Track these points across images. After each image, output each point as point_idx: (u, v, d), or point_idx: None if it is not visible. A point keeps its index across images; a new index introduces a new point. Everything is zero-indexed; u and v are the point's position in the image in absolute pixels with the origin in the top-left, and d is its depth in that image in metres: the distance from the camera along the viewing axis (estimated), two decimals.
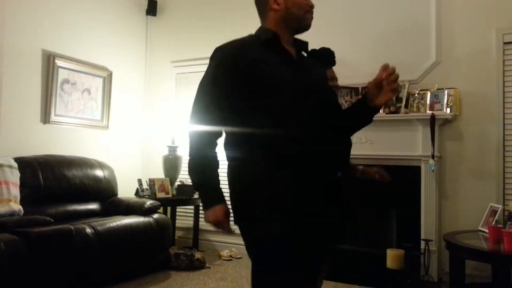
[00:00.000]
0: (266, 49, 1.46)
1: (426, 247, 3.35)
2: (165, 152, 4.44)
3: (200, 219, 4.38)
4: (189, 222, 4.49)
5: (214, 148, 1.46)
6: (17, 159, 3.26)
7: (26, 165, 3.28)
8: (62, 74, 3.95)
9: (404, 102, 3.60)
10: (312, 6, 1.53)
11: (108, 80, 4.45)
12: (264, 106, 1.41)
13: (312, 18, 1.54)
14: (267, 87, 1.41)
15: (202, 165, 1.44)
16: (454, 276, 2.89)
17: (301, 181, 1.39)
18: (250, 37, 1.55)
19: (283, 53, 1.49)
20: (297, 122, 1.41)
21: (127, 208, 3.64)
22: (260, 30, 1.56)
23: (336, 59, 2.65)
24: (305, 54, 1.64)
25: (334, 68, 2.59)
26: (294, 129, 1.40)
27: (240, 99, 1.43)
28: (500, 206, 3.11)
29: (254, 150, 1.41)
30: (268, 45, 1.47)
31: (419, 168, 3.54)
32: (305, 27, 1.54)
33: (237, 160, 1.46)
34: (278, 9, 1.50)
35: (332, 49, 2.61)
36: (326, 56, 2.52)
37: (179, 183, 4.35)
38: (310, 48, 2.59)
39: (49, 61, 3.83)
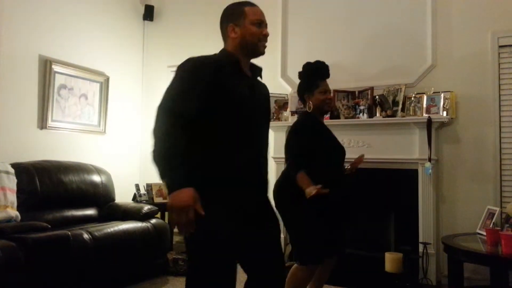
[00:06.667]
0: (230, 71, 1.63)
1: (425, 250, 3.36)
2: None
3: None
4: None
5: (182, 132, 1.46)
6: (14, 165, 3.24)
7: (23, 171, 3.27)
8: (59, 80, 3.95)
9: (400, 106, 3.61)
10: (265, 35, 1.70)
11: (105, 85, 4.44)
12: (223, 122, 1.57)
13: (264, 46, 1.72)
14: (230, 104, 1.57)
15: (177, 151, 1.43)
16: (453, 279, 2.89)
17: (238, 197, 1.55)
18: (216, 56, 1.69)
19: (244, 76, 1.68)
20: (248, 140, 1.62)
21: (125, 214, 3.63)
22: (223, 53, 1.71)
23: (332, 63, 2.68)
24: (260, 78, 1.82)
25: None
26: (244, 148, 1.60)
27: (204, 110, 1.54)
28: (498, 209, 3.11)
29: (207, 158, 1.55)
30: (231, 68, 1.64)
31: (416, 171, 3.55)
32: (258, 53, 1.72)
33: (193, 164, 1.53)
34: (235, 37, 1.69)
35: (329, 54, 2.64)
36: (320, 69, 2.57)
37: None
38: (305, 61, 2.65)
39: (46, 67, 3.82)
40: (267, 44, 1.72)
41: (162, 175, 1.42)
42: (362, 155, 2.71)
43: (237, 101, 1.59)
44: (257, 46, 1.69)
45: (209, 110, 1.54)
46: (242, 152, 1.59)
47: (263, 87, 1.82)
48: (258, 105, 1.70)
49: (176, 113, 1.46)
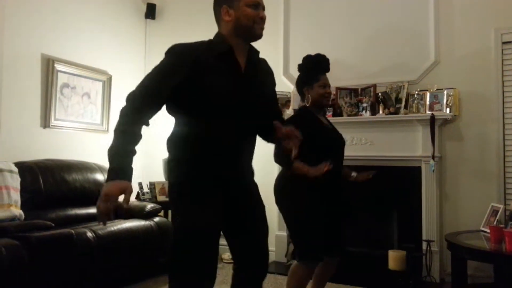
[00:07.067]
0: (219, 59, 1.57)
1: (428, 248, 3.35)
2: (166, 155, 4.42)
3: None
4: None
5: (142, 127, 1.57)
6: (17, 164, 3.25)
7: (27, 170, 3.28)
8: (61, 78, 3.95)
9: (403, 103, 3.60)
10: (262, 17, 1.61)
11: (107, 83, 4.45)
12: (201, 112, 1.55)
13: (262, 28, 1.62)
14: (209, 96, 1.54)
15: (130, 139, 1.53)
16: (456, 276, 2.89)
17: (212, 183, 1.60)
18: (208, 43, 1.64)
19: (233, 66, 1.60)
20: (224, 134, 1.59)
21: (128, 212, 3.63)
22: (217, 38, 1.65)
23: (334, 60, 2.66)
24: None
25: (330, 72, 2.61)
26: (220, 139, 1.58)
27: (181, 99, 1.56)
28: (501, 206, 3.10)
29: (181, 147, 1.63)
30: (222, 56, 1.58)
31: (419, 168, 3.54)
32: (256, 36, 1.62)
33: (169, 153, 1.69)
34: (229, 20, 1.60)
35: (331, 51, 2.62)
36: (321, 63, 2.54)
37: None
38: (305, 53, 2.62)
39: (48, 65, 3.83)
40: (268, 36, 1.65)
41: (110, 161, 1.47)
42: (372, 173, 2.61)
43: (217, 92, 1.55)
44: (253, 29, 1.59)
45: (187, 100, 1.55)
46: (226, 139, 1.60)
47: (263, 64, 1.76)
48: (254, 91, 1.64)
49: (142, 112, 1.53)
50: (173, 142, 1.67)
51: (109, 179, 1.42)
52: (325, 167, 2.14)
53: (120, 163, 1.45)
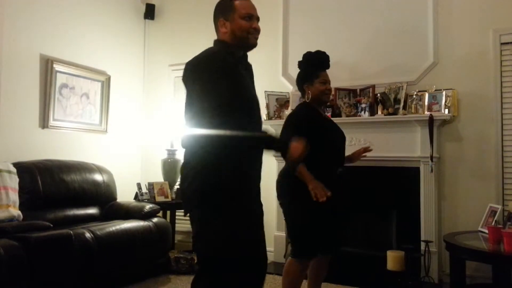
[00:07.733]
0: (238, 62, 1.73)
1: (426, 249, 3.35)
2: (164, 155, 4.43)
3: None
4: (189, 226, 4.44)
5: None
6: (15, 164, 3.25)
7: (25, 170, 3.28)
8: (60, 79, 3.95)
9: (402, 104, 3.60)
10: (255, 28, 1.72)
11: (106, 84, 4.44)
12: (240, 111, 1.64)
13: (256, 38, 1.74)
14: (244, 95, 1.69)
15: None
16: (455, 277, 2.89)
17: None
18: (223, 52, 1.72)
19: (247, 67, 1.79)
20: (258, 125, 1.78)
21: (127, 212, 3.63)
22: (226, 48, 1.73)
23: (333, 61, 2.67)
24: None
25: (328, 71, 2.60)
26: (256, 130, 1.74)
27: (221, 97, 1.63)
28: (500, 207, 3.11)
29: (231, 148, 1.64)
30: (238, 60, 1.74)
31: (418, 169, 3.54)
32: (250, 46, 1.75)
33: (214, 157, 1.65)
34: (225, 32, 1.73)
35: (330, 51, 2.62)
36: (321, 59, 2.55)
37: (179, 186, 4.34)
38: (306, 50, 2.63)
39: (47, 66, 3.83)
40: (267, 37, 1.78)
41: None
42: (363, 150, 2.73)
43: (248, 89, 1.72)
44: (248, 39, 1.71)
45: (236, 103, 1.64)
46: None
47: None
48: (255, 93, 1.82)
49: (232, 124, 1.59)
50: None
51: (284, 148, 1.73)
52: (326, 195, 2.19)
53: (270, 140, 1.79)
